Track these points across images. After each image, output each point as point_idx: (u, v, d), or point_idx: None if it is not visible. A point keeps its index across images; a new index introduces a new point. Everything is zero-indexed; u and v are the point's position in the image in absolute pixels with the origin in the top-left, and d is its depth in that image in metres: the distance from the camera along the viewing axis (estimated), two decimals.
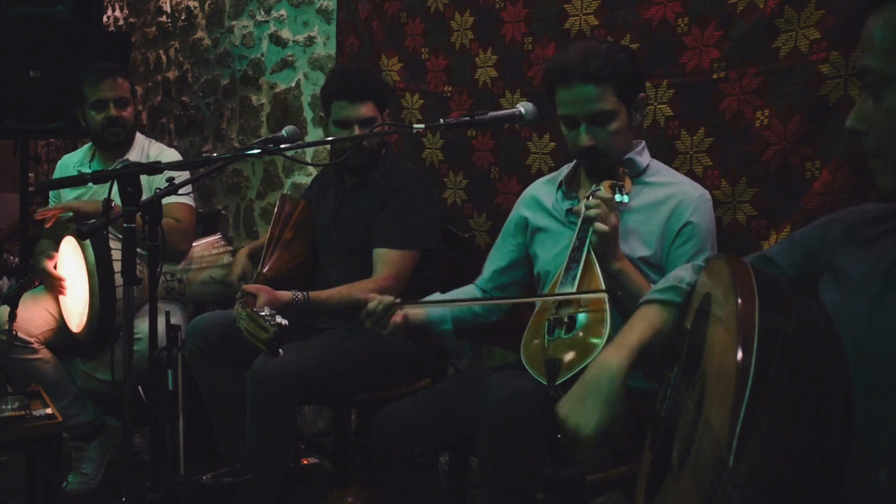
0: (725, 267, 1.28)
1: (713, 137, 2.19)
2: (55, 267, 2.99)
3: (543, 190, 2.26)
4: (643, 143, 2.14)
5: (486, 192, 2.83)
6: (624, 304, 1.79)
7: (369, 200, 2.64)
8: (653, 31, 2.31)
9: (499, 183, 2.78)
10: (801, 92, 1.99)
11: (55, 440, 2.40)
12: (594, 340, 1.73)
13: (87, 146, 3.34)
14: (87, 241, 2.72)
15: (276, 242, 2.71)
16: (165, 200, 1.96)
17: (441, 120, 1.99)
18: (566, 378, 1.71)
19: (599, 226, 1.86)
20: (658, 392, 1.51)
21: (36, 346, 2.87)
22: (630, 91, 2.01)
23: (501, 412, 1.79)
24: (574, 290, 1.86)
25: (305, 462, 3.29)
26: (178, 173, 2.60)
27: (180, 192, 2.12)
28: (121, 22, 5.64)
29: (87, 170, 3.16)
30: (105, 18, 5.33)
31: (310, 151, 3.66)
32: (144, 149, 3.22)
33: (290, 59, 3.87)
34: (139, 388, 3.04)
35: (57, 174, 3.41)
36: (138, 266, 1.93)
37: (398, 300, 2.10)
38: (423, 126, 2.01)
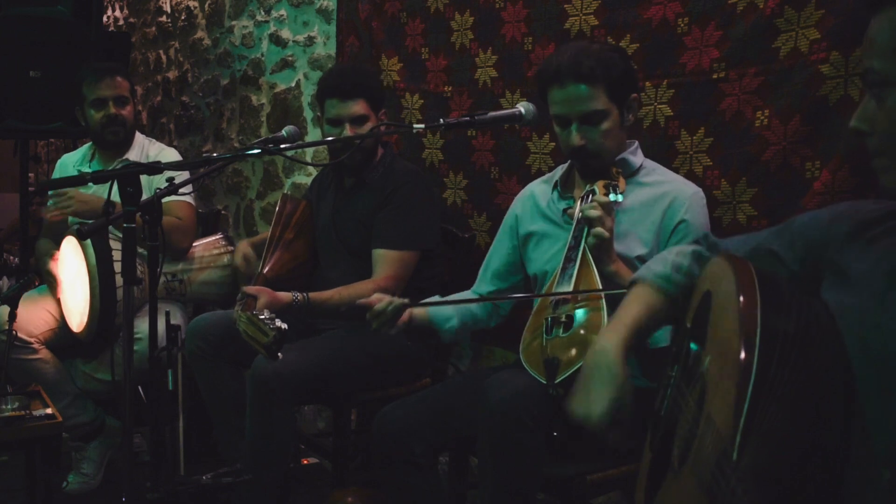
0: (726, 265, 1.28)
1: (713, 137, 2.19)
2: (57, 267, 2.99)
3: (540, 191, 2.26)
4: (636, 142, 2.15)
5: (486, 192, 2.83)
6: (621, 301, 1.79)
7: (368, 201, 2.64)
8: (653, 31, 2.31)
9: (499, 183, 2.78)
10: (801, 92, 1.99)
11: (55, 440, 2.40)
12: (593, 336, 1.73)
13: (87, 146, 3.34)
14: (88, 242, 2.72)
15: (277, 242, 2.71)
16: (166, 199, 1.97)
17: (441, 120, 1.99)
18: (565, 376, 1.71)
19: (599, 230, 1.86)
20: (658, 391, 1.51)
21: (36, 346, 2.87)
22: (622, 91, 2.02)
23: (501, 412, 1.79)
24: (571, 288, 1.86)
25: (305, 462, 3.29)
26: (178, 173, 2.60)
27: (180, 191, 2.12)
28: (121, 22, 5.64)
29: (87, 169, 3.17)
30: (105, 18, 5.33)
31: (310, 151, 3.66)
32: (144, 148, 3.22)
33: (290, 59, 3.87)
34: (139, 388, 3.04)
35: (56, 174, 3.41)
36: (138, 266, 1.94)
37: (407, 301, 2.10)
38: (423, 126, 2.01)
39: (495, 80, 2.77)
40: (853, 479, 1.09)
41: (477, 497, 2.03)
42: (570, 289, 1.86)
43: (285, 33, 3.88)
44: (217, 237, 3.21)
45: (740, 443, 1.01)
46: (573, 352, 1.74)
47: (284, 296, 2.41)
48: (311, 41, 3.73)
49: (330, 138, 2.59)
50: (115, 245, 2.74)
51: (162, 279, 2.93)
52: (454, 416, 2.10)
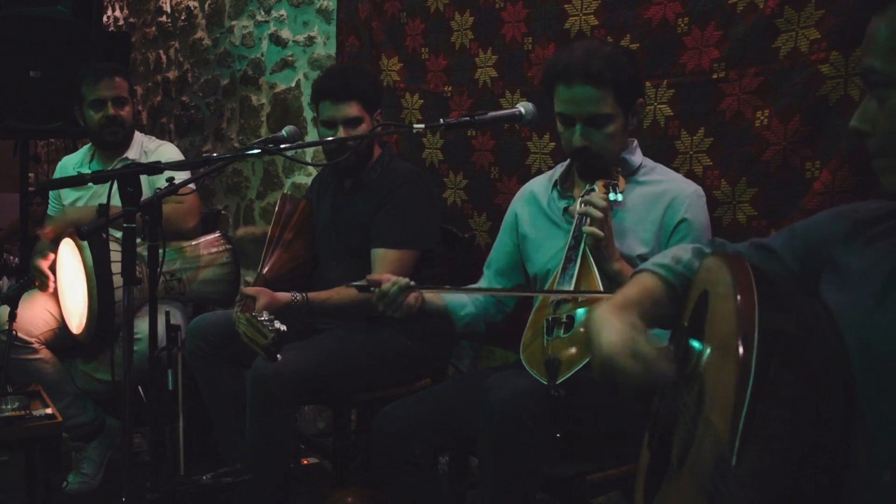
0: (723, 264, 1.27)
1: (713, 137, 2.19)
2: (51, 267, 2.99)
3: (539, 189, 2.26)
4: (635, 141, 2.15)
5: (486, 192, 2.83)
6: None
7: (367, 201, 2.64)
8: (653, 31, 2.31)
9: (499, 183, 2.78)
10: (801, 92, 1.99)
11: (55, 440, 2.40)
12: None
13: (86, 147, 3.34)
14: (86, 243, 2.72)
15: (277, 242, 2.71)
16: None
17: (441, 120, 1.99)
18: (566, 377, 1.71)
19: (592, 230, 1.86)
20: (657, 390, 1.51)
21: (36, 346, 2.87)
22: (629, 96, 2.01)
23: (502, 412, 1.79)
24: (571, 288, 1.86)
25: (305, 462, 3.29)
26: (178, 172, 2.60)
27: (180, 192, 2.12)
28: (121, 22, 5.64)
29: (86, 170, 3.17)
30: (105, 18, 5.33)
31: (310, 151, 3.66)
32: (143, 146, 3.23)
33: (290, 59, 3.87)
34: (139, 388, 3.04)
35: (57, 176, 3.41)
36: (138, 266, 1.93)
37: (412, 282, 2.08)
38: (423, 126, 2.00)
39: (495, 80, 2.77)
40: (853, 479, 1.09)
41: (477, 497, 2.03)
42: (571, 289, 1.86)
43: (285, 33, 3.88)
44: (216, 236, 3.21)
45: (739, 448, 1.00)
46: (574, 351, 1.74)
47: (283, 296, 2.41)
48: (311, 41, 3.73)
49: (328, 139, 2.59)
50: (115, 246, 2.74)
51: (162, 279, 2.93)
52: (454, 416, 2.10)
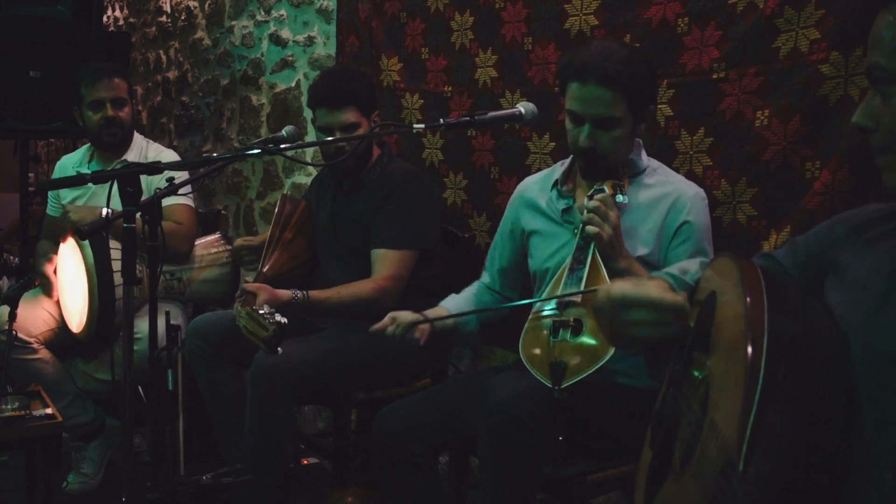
0: (733, 266, 1.27)
1: (713, 137, 2.19)
2: (54, 270, 2.99)
3: (536, 189, 2.25)
4: (640, 141, 2.14)
5: (486, 192, 2.83)
6: None
7: (366, 202, 2.64)
8: (653, 31, 2.31)
9: (499, 183, 2.78)
10: (801, 92, 1.99)
11: (55, 440, 2.40)
12: (601, 346, 1.73)
13: (85, 147, 3.34)
14: (86, 242, 2.72)
15: (277, 242, 2.71)
16: (165, 202, 1.97)
17: (441, 120, 1.99)
18: (572, 382, 1.71)
19: (591, 229, 1.86)
20: (659, 390, 1.51)
21: (36, 346, 2.87)
22: (642, 102, 2.00)
23: (502, 412, 1.79)
24: (581, 290, 1.86)
25: (305, 462, 3.28)
26: (178, 173, 2.60)
27: (180, 192, 2.12)
28: (121, 22, 5.64)
29: (85, 170, 3.16)
30: (105, 18, 5.33)
31: (310, 151, 3.66)
32: (143, 149, 3.22)
33: (290, 59, 3.87)
34: (139, 388, 3.03)
35: (56, 176, 3.41)
36: (138, 266, 1.93)
37: (420, 317, 2.11)
38: (423, 126, 2.00)
39: (495, 80, 2.77)
40: (854, 480, 1.09)
41: (477, 497, 2.03)
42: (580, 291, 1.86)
43: (285, 33, 3.88)
44: (216, 236, 3.21)
45: (747, 452, 0.99)
46: (580, 359, 1.74)
47: (284, 293, 2.41)
48: (311, 41, 3.73)
49: (328, 139, 2.59)
50: (115, 245, 2.73)
51: (162, 279, 2.93)
52: (454, 416, 2.10)
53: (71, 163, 3.30)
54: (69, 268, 2.91)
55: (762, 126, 2.08)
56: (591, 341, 1.77)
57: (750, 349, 1.06)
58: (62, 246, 2.95)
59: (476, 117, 1.99)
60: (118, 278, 2.68)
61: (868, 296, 1.17)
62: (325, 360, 2.45)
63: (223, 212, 4.29)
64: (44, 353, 2.89)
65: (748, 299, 1.13)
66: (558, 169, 2.22)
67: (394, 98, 3.10)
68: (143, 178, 1.89)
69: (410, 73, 3.06)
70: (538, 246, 2.20)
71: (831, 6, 1.93)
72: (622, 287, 1.33)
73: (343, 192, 2.72)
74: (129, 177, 1.80)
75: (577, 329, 1.81)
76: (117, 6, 5.70)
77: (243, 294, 2.37)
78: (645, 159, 2.11)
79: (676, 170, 2.21)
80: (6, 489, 2.88)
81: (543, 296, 2.03)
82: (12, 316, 2.61)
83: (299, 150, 3.65)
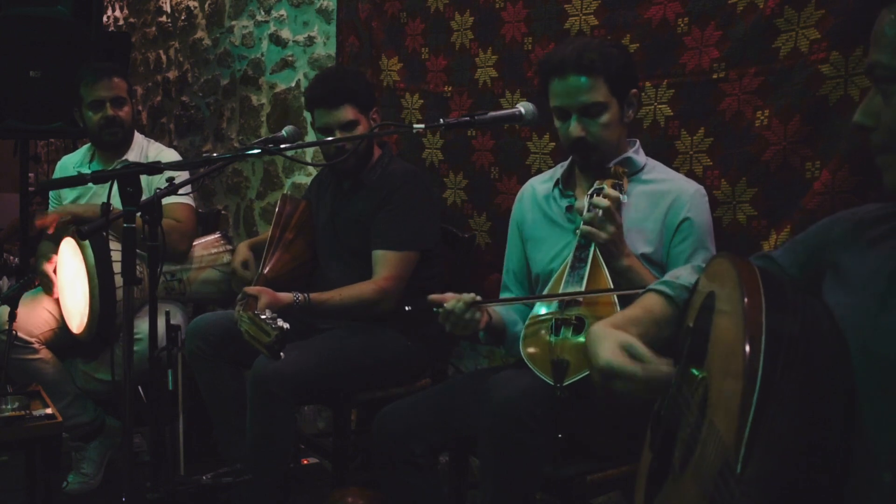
0: (730, 266, 1.27)
1: (713, 137, 2.19)
2: (54, 269, 2.99)
3: (540, 189, 2.25)
4: (637, 141, 2.15)
5: (486, 192, 2.82)
6: None
7: (366, 202, 2.64)
8: (653, 31, 2.31)
9: (499, 183, 2.78)
10: (801, 92, 1.99)
11: (55, 440, 2.40)
12: None
13: (86, 147, 3.34)
14: (87, 242, 2.72)
15: (277, 243, 2.71)
16: (165, 201, 1.96)
17: (441, 120, 1.99)
18: (574, 380, 1.71)
19: (593, 231, 1.86)
20: (658, 398, 1.51)
21: (36, 346, 2.87)
22: (622, 85, 2.03)
23: (503, 412, 1.79)
24: (583, 289, 1.86)
25: (305, 462, 3.28)
26: (178, 173, 2.60)
27: (180, 192, 2.12)
28: (121, 22, 5.64)
29: (86, 170, 3.16)
30: (105, 18, 5.33)
31: (310, 151, 3.66)
32: (143, 149, 3.22)
33: (290, 59, 3.87)
34: (139, 388, 3.04)
35: (56, 175, 3.40)
36: (138, 266, 1.93)
37: (478, 297, 1.97)
38: (423, 126, 2.00)
39: (495, 80, 2.77)
40: (853, 481, 1.09)
41: (477, 497, 2.03)
42: (582, 290, 1.86)
43: (285, 33, 3.88)
44: (216, 236, 3.21)
45: (745, 454, 0.99)
46: (583, 358, 1.74)
47: (285, 296, 2.41)
48: (311, 41, 3.73)
49: (328, 139, 2.59)
50: (115, 246, 2.74)
51: (161, 279, 2.93)
52: (454, 416, 2.10)
53: (72, 162, 3.30)
54: (69, 268, 2.91)
55: (762, 126, 2.08)
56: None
57: (748, 349, 1.06)
58: (62, 246, 2.95)
59: (476, 117, 1.99)
60: (119, 279, 2.68)
61: (867, 297, 1.17)
62: (326, 362, 2.45)
63: (223, 212, 4.29)
64: (44, 353, 2.89)
65: (746, 300, 1.14)
66: (560, 169, 2.23)
67: (394, 98, 3.10)
68: (143, 177, 1.89)
69: (410, 73, 3.06)
70: (541, 246, 2.20)
71: (831, 6, 1.93)
72: (608, 359, 1.34)
73: (343, 192, 2.72)
74: (129, 177, 1.80)
75: (579, 327, 1.82)
76: (117, 6, 5.70)
77: (245, 297, 2.37)
78: (643, 157, 2.12)
79: (676, 170, 2.21)
80: (6, 489, 2.88)
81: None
82: (12, 316, 2.61)
83: (299, 150, 3.65)
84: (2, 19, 3.63)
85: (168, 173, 1.96)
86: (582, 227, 1.90)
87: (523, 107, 2.02)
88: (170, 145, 3.45)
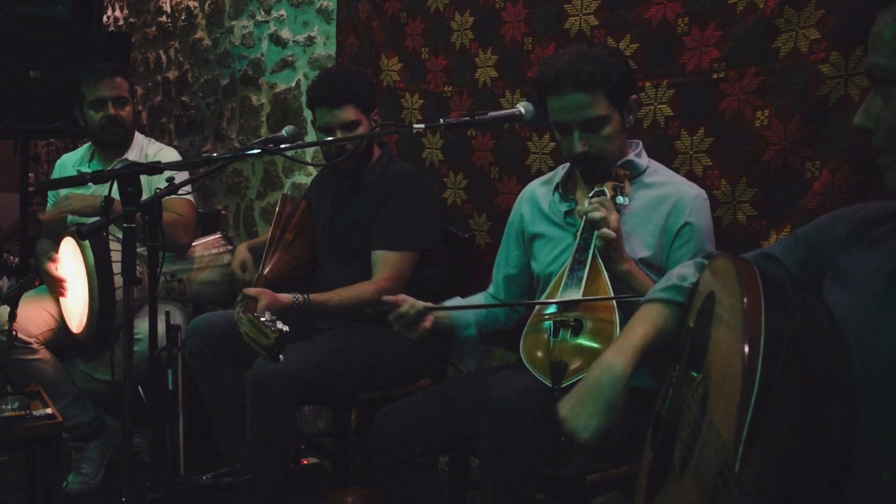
0: (730, 266, 1.27)
1: (713, 137, 2.19)
2: (57, 268, 2.99)
3: (541, 192, 2.25)
4: (640, 143, 2.14)
5: (486, 192, 2.82)
6: (634, 308, 1.79)
7: (366, 202, 2.64)
8: (653, 31, 2.31)
9: (499, 183, 2.78)
10: (801, 92, 1.99)
11: (55, 440, 2.40)
12: (602, 346, 1.73)
13: (86, 146, 3.34)
14: (87, 242, 2.72)
15: (277, 243, 2.71)
16: (166, 197, 1.96)
17: (441, 120, 1.99)
18: (571, 381, 1.71)
19: (606, 232, 1.86)
20: (659, 390, 1.51)
21: (36, 346, 2.87)
22: (622, 94, 2.00)
23: (502, 412, 1.79)
24: (581, 291, 1.86)
25: (305, 462, 3.28)
26: (178, 173, 2.60)
27: (180, 191, 2.12)
28: (121, 22, 5.64)
29: (86, 169, 3.17)
30: (105, 18, 5.33)
31: (310, 151, 3.66)
32: (143, 148, 3.23)
33: (290, 59, 3.87)
34: (139, 388, 3.04)
35: (56, 174, 3.41)
36: (138, 266, 1.94)
37: (430, 304, 2.09)
38: (423, 126, 2.00)
39: (495, 80, 2.77)
40: (853, 480, 1.09)
41: (477, 497, 2.03)
42: (580, 292, 1.86)
43: (285, 33, 3.88)
44: (216, 237, 3.21)
45: (743, 453, 0.99)
46: (580, 361, 1.74)
47: (285, 297, 2.41)
48: (311, 41, 3.73)
49: (328, 139, 2.59)
50: (116, 246, 2.73)
51: (162, 279, 2.93)
52: (454, 416, 2.10)
53: (71, 161, 3.30)
54: (69, 268, 2.91)
55: (762, 126, 2.08)
56: (592, 343, 1.77)
57: (747, 349, 1.06)
58: (62, 246, 2.95)
59: (476, 117, 1.99)
60: (119, 279, 2.68)
61: (867, 296, 1.17)
62: (325, 362, 2.45)
63: (223, 212, 4.29)
64: (44, 353, 2.89)
65: (745, 300, 1.14)
66: (560, 172, 2.22)
67: (394, 98, 3.10)
68: (143, 176, 1.89)
69: (410, 73, 3.06)
70: (542, 249, 2.19)
71: (831, 6, 1.93)
72: (593, 439, 1.41)
73: (343, 192, 2.72)
74: (129, 176, 1.80)
75: (577, 329, 1.81)
76: (117, 6, 5.70)
77: (244, 299, 2.37)
78: (645, 160, 2.11)
79: (676, 170, 2.21)
80: (6, 489, 2.88)
81: (544, 298, 2.03)
82: (12, 316, 2.61)
83: (299, 150, 3.65)
84: (2, 19, 3.63)
85: (168, 173, 1.96)
86: (598, 232, 1.88)
87: (523, 107, 2.02)
88: (169, 145, 3.45)
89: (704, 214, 2.03)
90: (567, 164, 2.20)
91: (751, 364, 1.05)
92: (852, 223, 1.30)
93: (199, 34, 4.62)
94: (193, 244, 3.12)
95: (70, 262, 2.90)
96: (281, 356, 2.09)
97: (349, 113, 2.56)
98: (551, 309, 1.91)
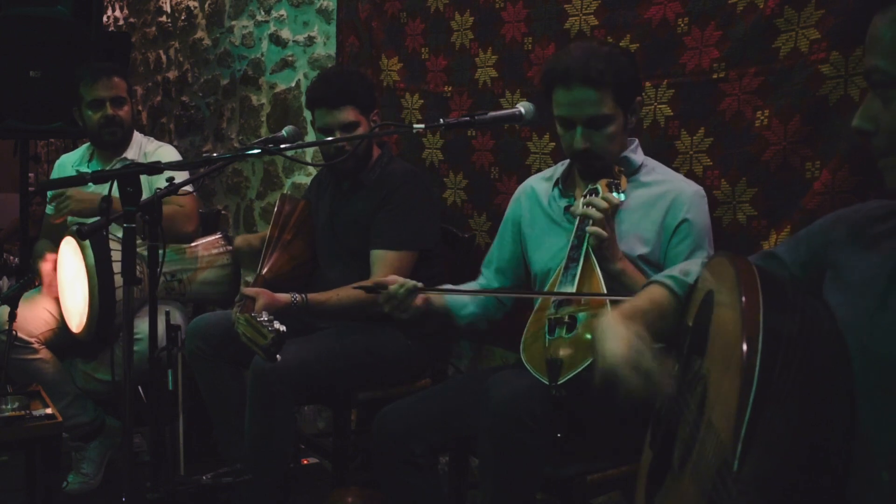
0: (729, 265, 1.27)
1: (713, 137, 2.19)
2: (53, 267, 2.99)
3: (540, 188, 2.25)
4: (636, 140, 2.14)
5: (486, 192, 2.82)
6: None
7: (365, 202, 2.64)
8: (653, 31, 2.31)
9: (499, 183, 2.78)
10: (801, 92, 1.99)
11: (55, 440, 2.40)
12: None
13: (85, 146, 3.34)
14: (87, 242, 2.72)
15: (276, 243, 2.71)
16: None
17: (441, 120, 1.99)
18: (568, 377, 1.71)
19: (597, 230, 1.86)
20: (654, 401, 1.51)
21: (36, 346, 2.87)
22: (628, 95, 2.01)
23: (502, 412, 1.79)
24: (574, 288, 1.86)
25: (305, 462, 3.28)
26: (178, 172, 2.60)
27: (180, 191, 2.12)
28: (121, 22, 5.64)
29: (85, 169, 3.17)
30: (105, 18, 5.33)
31: (310, 151, 3.66)
32: (142, 147, 3.23)
33: (290, 59, 3.87)
34: (139, 388, 3.03)
35: (55, 174, 3.41)
36: (138, 266, 1.94)
37: (419, 284, 2.10)
38: (423, 126, 2.00)
39: (495, 80, 2.77)
40: (852, 480, 1.09)
41: (477, 497, 2.03)
42: (574, 289, 1.86)
43: (285, 33, 3.88)
44: (216, 237, 3.21)
45: (741, 452, 0.99)
46: (576, 354, 1.74)
47: (283, 297, 2.41)
48: (311, 41, 3.73)
49: (328, 139, 2.59)
50: (116, 245, 2.73)
51: (161, 279, 2.92)
52: (454, 416, 2.10)
53: (70, 161, 3.30)
54: (69, 268, 2.91)
55: (762, 126, 2.08)
56: (586, 336, 1.77)
57: (745, 348, 1.06)
58: (62, 246, 2.95)
59: (476, 117, 1.99)
60: (119, 279, 2.68)
61: (867, 296, 1.17)
62: (325, 360, 2.45)
63: (223, 212, 4.29)
64: (44, 353, 2.89)
65: (744, 299, 1.14)
66: (559, 168, 2.23)
67: (394, 98, 3.10)
68: (142, 176, 1.89)
69: (410, 73, 3.06)
70: (540, 246, 2.20)
71: (831, 6, 1.93)
72: (614, 365, 1.34)
73: (342, 192, 2.72)
74: (128, 176, 1.80)
75: (572, 325, 1.82)
76: (117, 6, 5.70)
77: (242, 299, 2.37)
78: (640, 157, 2.11)
79: (676, 170, 2.21)
80: (6, 489, 2.88)
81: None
82: (12, 316, 2.61)
83: (299, 150, 3.65)
84: (2, 19, 3.63)
85: (168, 172, 1.96)
86: (588, 228, 1.89)
87: (523, 107, 2.02)
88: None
89: (702, 211, 2.03)
90: (567, 161, 2.20)
91: (749, 363, 1.05)
92: (853, 223, 1.30)
93: (199, 34, 4.62)
94: (194, 245, 3.12)
95: (70, 261, 2.90)
96: (278, 356, 2.09)
97: (348, 114, 2.56)
98: (552, 310, 1.91)
